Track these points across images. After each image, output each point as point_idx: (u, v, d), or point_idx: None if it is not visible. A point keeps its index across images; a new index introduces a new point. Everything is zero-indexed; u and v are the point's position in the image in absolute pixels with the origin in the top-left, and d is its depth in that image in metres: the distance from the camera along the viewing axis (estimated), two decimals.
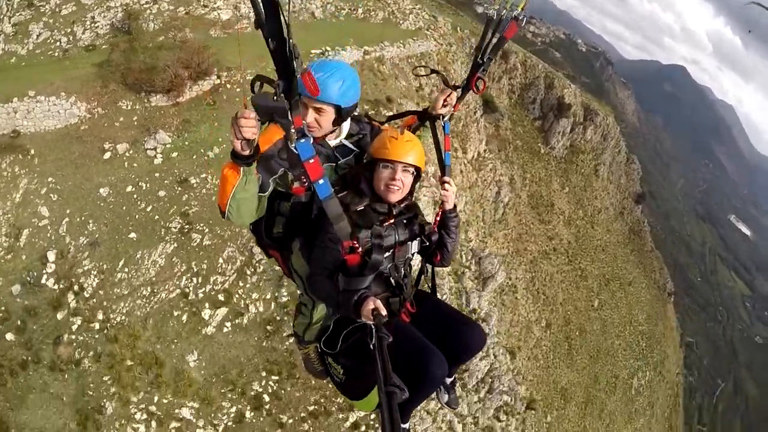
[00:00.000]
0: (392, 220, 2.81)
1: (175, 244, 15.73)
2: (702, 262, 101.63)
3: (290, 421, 14.68)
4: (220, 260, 15.96)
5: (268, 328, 15.64)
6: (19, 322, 14.05)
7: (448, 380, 3.20)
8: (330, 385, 13.48)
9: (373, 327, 2.21)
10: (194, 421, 13.97)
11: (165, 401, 13.87)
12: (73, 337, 14.13)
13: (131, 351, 14.20)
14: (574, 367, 30.61)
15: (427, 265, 3.20)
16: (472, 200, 23.85)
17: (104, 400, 13.51)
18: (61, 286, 14.52)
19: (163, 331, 14.66)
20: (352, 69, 2.74)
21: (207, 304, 15.21)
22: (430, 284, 3.30)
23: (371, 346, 2.12)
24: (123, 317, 14.54)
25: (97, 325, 14.32)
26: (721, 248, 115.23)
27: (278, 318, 15.99)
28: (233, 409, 14.37)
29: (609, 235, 39.94)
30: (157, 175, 16.57)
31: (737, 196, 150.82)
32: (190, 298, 15.26)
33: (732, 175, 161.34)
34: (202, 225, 16.16)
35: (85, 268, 14.86)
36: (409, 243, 2.90)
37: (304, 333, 3.07)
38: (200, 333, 14.87)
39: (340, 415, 14.94)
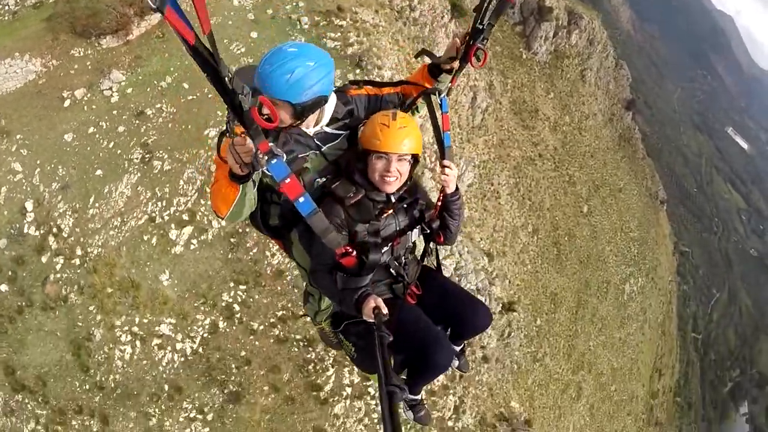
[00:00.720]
0: (391, 210, 2.71)
1: (139, 174, 16.18)
2: (698, 172, 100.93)
3: (261, 327, 15.01)
4: (181, 182, 16.22)
5: (232, 240, 15.83)
6: (10, 273, 14.95)
7: (458, 348, 3.19)
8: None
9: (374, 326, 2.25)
10: (173, 335, 14.76)
11: (145, 321, 14.69)
12: (58, 275, 14.95)
13: (110, 279, 14.99)
14: (564, 272, 30.52)
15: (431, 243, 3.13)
16: None
17: (92, 328, 14.58)
18: (41, 231, 15.37)
19: (136, 256, 15.26)
20: (311, 57, 2.41)
21: (173, 225, 15.65)
22: (434, 262, 3.24)
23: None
24: (99, 249, 15.26)
25: (77, 261, 15.18)
26: (718, 160, 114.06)
27: (240, 230, 16.06)
28: (207, 321, 14.95)
29: (598, 142, 38.79)
30: (115, 112, 16.99)
31: (735, 108, 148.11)
32: (157, 221, 15.73)
33: (730, 87, 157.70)
34: (161, 152, 16.49)
35: (61, 210, 15.54)
36: (409, 232, 2.84)
37: (314, 316, 3.17)
38: (169, 253, 15.36)
39: (308, 318, 14.67)
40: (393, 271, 2.84)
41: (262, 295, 15.15)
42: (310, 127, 2.65)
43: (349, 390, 14.77)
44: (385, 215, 2.70)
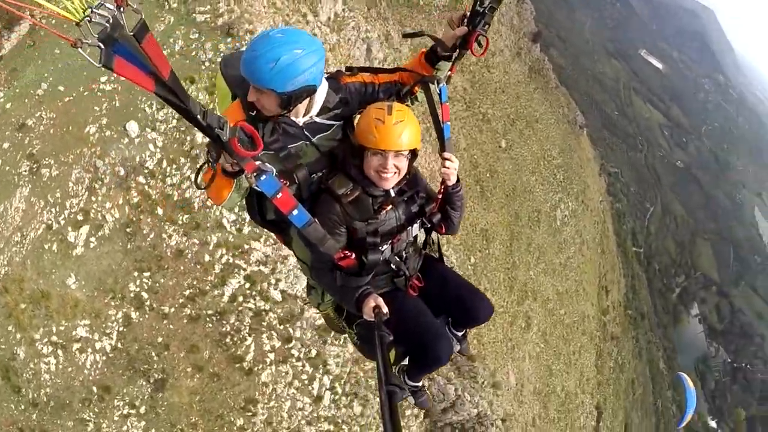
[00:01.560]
0: (390, 206, 2.65)
1: (30, 185, 16.02)
2: (617, 97, 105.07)
3: (172, 309, 15.02)
4: (70, 184, 16.09)
5: (128, 230, 15.79)
6: None
7: (459, 333, 3.17)
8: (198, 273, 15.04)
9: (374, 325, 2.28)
10: (90, 336, 14.78)
11: (62, 328, 14.62)
12: None
13: (21, 295, 14.87)
14: (491, 208, 31.26)
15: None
16: (337, 61, 22.31)
17: (15, 348, 14.57)
18: None
19: (41, 266, 15.14)
20: (299, 45, 2.25)
21: (70, 228, 15.57)
22: (435, 251, 3.21)
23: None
24: (6, 268, 15.10)
25: None
26: (635, 82, 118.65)
27: (134, 219, 16.02)
28: (119, 315, 14.97)
29: (508, 77, 39.29)
30: None
31: (647, 32, 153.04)
32: (54, 228, 15.58)
33: (640, 12, 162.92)
34: (47, 159, 16.33)
35: None
36: (409, 228, 2.79)
37: (318, 306, 3.17)
38: (71, 256, 15.32)
39: (216, 292, 14.98)
40: (394, 266, 2.80)
41: (166, 278, 15.03)
42: (299, 116, 2.53)
43: (272, 356, 14.82)
44: (384, 211, 2.63)
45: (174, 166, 15.72)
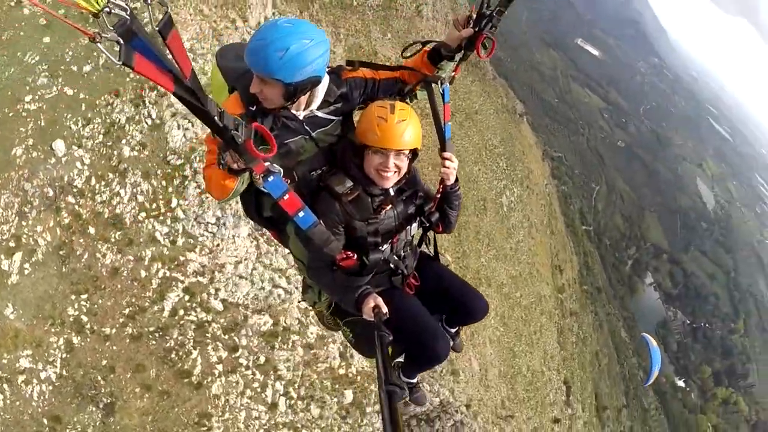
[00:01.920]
0: (390, 205, 2.66)
1: None
2: (556, 85, 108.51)
3: (113, 330, 14.74)
4: (0, 210, 15.19)
5: (61, 253, 15.34)
6: None
7: (453, 330, 3.22)
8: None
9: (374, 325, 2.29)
10: (35, 366, 14.35)
11: (5, 361, 14.10)
12: None
13: None
14: None
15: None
16: None
17: None
18: None
19: None
20: (308, 35, 2.22)
21: (2, 256, 15.01)
22: (431, 249, 3.24)
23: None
24: None
25: None
26: (572, 70, 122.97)
27: (66, 240, 15.53)
28: (61, 341, 14.60)
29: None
30: None
31: (582, 22, 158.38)
32: None
33: (575, 3, 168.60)
34: None
35: None
36: (408, 227, 2.82)
37: (313, 305, 3.19)
38: (7, 285, 14.83)
39: (155, 308, 14.77)
40: (393, 266, 2.81)
41: (104, 298, 14.71)
42: (300, 109, 2.49)
43: (220, 367, 14.67)
44: (383, 210, 2.63)
45: (103, 183, 15.40)
